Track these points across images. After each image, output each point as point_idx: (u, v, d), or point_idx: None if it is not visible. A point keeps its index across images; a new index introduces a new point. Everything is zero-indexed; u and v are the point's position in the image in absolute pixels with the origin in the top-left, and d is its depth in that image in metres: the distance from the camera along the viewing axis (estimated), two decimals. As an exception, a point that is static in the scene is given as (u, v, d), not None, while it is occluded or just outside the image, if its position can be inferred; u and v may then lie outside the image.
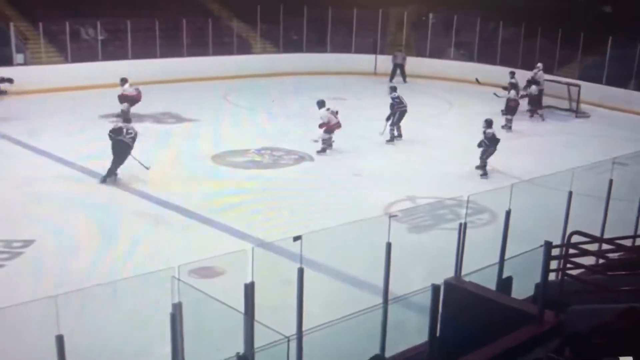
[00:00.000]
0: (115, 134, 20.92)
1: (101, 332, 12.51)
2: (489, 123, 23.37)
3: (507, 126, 29.43)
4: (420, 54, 42.72)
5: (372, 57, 41.81)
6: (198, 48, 37.48)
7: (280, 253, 12.08)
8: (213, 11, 40.64)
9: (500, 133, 25.54)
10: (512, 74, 33.19)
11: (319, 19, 41.48)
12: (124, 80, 27.79)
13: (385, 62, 41.39)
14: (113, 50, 35.24)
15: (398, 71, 40.98)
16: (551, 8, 40.58)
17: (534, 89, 33.40)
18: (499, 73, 37.43)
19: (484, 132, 23.24)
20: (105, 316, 12.43)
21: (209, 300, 9.07)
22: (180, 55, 36.92)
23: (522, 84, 33.24)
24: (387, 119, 27.12)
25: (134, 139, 21.08)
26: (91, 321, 12.02)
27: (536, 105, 33.45)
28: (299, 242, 9.62)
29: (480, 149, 23.33)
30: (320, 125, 25.10)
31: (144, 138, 22.58)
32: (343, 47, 41.93)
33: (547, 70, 36.37)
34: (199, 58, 37.22)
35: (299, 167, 23.78)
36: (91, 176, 21.84)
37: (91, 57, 34.56)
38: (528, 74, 34.70)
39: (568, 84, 35.09)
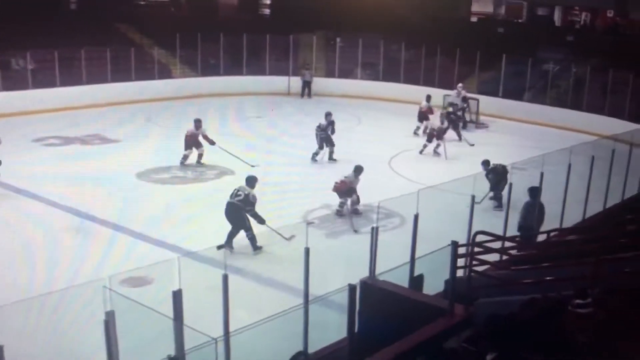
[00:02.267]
0: (229, 196, 18.14)
1: (39, 341, 12.28)
2: (485, 164, 22.39)
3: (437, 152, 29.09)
4: (330, 74, 42.95)
5: (285, 78, 41.90)
6: (121, 74, 37.11)
7: (206, 262, 12.00)
8: (134, 40, 40.33)
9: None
10: (429, 97, 33.48)
11: (235, 45, 41.41)
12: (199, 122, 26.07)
13: (297, 82, 41.64)
14: (42, 79, 34.70)
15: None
16: (449, 29, 41.30)
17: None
18: (403, 90, 38.71)
19: (486, 176, 21.84)
20: (42, 326, 12.20)
21: (140, 308, 8.96)
22: (105, 81, 36.50)
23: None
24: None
25: (243, 201, 17.77)
26: (29, 331, 11.78)
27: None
28: (222, 250, 9.60)
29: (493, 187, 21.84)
30: None
31: (71, 159, 22.27)
32: (258, 70, 41.94)
33: (447, 86, 37.14)
34: (123, 83, 36.84)
35: (221, 181, 23.61)
36: (25, 196, 21.52)
37: (22, 85, 33.99)
38: (450, 92, 35.69)
39: (468, 98, 35.53)
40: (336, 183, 21.06)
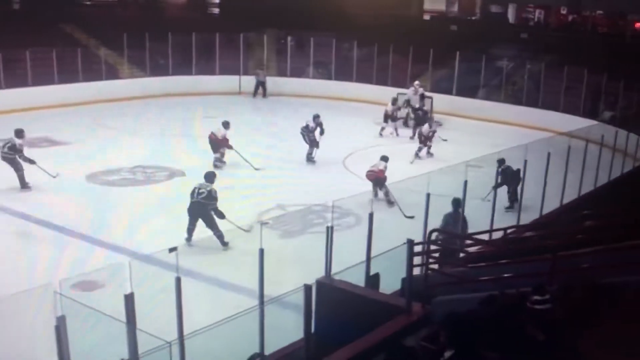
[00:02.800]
0: (190, 196, 18.10)
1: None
2: (500, 162, 21.40)
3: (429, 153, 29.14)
4: (282, 73, 42.88)
5: (236, 77, 41.73)
6: (68, 75, 36.68)
7: (158, 264, 11.93)
8: (81, 41, 39.96)
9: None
10: (395, 100, 33.63)
11: (183, 44, 41.18)
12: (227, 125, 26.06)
13: (249, 81, 41.51)
14: (-16, 82, 34.34)
15: (260, 88, 41.63)
16: (402, 28, 41.49)
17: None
18: (356, 89, 39.26)
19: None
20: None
21: (92, 312, 8.92)
22: (52, 82, 36.08)
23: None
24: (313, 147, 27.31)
25: (206, 197, 17.73)
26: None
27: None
28: (174, 252, 9.54)
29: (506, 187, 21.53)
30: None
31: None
32: (208, 69, 41.79)
33: (400, 84, 37.47)
34: (70, 85, 36.44)
35: (172, 182, 23.54)
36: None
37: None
38: (405, 91, 35.82)
39: (425, 96, 35.63)
40: (374, 172, 21.90)
